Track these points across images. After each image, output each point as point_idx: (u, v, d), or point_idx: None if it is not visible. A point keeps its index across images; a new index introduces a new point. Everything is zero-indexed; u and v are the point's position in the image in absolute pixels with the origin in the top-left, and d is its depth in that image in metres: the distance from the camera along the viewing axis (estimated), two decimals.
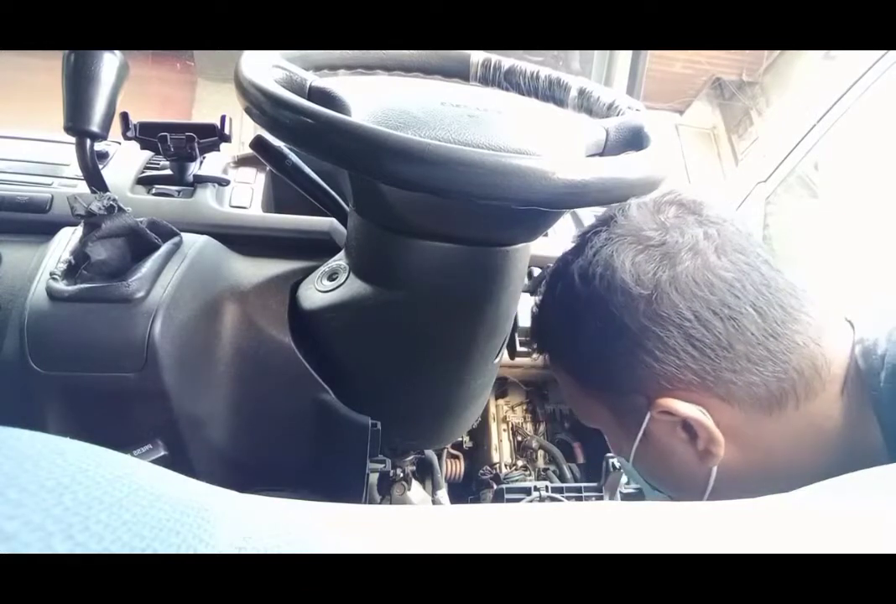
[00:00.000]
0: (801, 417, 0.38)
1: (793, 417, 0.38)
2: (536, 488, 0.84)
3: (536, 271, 0.66)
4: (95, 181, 0.56)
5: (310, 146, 0.38)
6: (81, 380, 0.50)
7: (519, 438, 0.96)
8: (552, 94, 0.57)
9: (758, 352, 0.37)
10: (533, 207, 0.38)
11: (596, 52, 1.23)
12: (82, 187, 0.62)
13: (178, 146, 0.65)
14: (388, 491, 0.79)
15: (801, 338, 0.38)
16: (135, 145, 0.66)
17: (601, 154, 0.51)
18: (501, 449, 0.94)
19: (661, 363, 0.38)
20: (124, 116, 0.63)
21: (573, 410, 0.50)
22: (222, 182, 0.73)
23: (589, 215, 0.88)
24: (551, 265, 0.62)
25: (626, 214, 0.42)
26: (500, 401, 0.99)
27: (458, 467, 0.94)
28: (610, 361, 0.41)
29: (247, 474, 0.62)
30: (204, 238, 0.61)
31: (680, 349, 0.38)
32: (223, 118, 0.66)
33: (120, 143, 0.76)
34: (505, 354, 0.67)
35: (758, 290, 0.38)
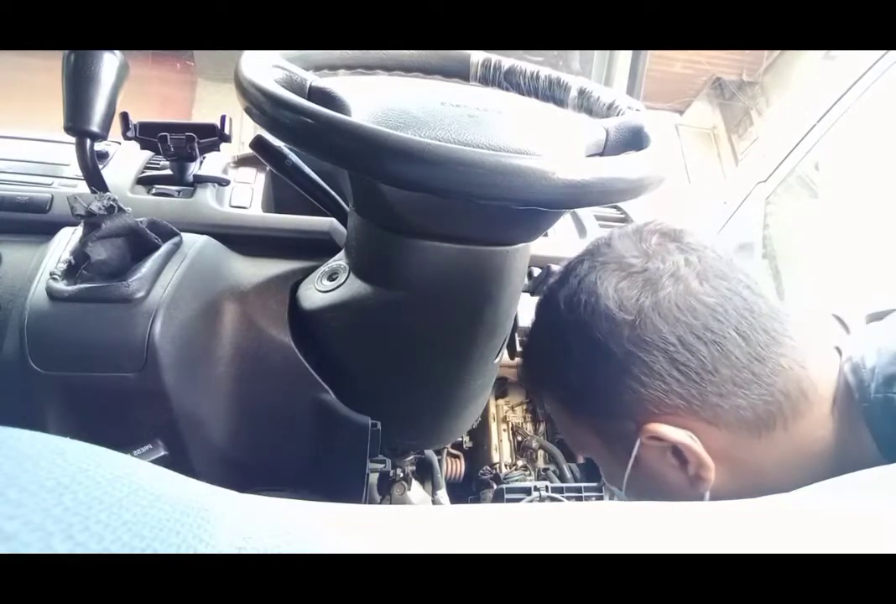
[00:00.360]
0: (789, 439, 0.39)
1: (781, 438, 0.39)
2: (536, 488, 0.84)
3: (536, 271, 0.66)
4: (95, 181, 0.56)
5: (310, 146, 0.38)
6: (81, 380, 0.50)
7: (519, 438, 0.96)
8: (552, 94, 0.57)
9: (743, 375, 0.38)
10: (533, 207, 0.38)
11: (596, 52, 1.23)
12: (82, 187, 0.62)
13: (178, 146, 0.65)
14: (388, 491, 0.79)
15: (785, 361, 0.38)
16: (135, 145, 0.66)
17: (601, 154, 0.51)
18: (501, 449, 0.94)
19: (647, 388, 0.39)
20: (124, 116, 0.63)
21: (564, 438, 0.51)
22: (222, 182, 0.73)
23: (589, 215, 0.88)
24: (552, 265, 0.62)
25: (608, 243, 0.43)
26: (500, 401, 0.99)
27: (458, 467, 0.94)
28: (597, 388, 0.42)
29: (247, 474, 0.62)
30: (204, 238, 0.61)
31: (665, 374, 0.38)
32: (223, 118, 0.66)
33: (120, 143, 0.76)
34: (505, 354, 0.67)
35: (740, 314, 0.38)
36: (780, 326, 0.39)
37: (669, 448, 0.40)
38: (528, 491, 0.84)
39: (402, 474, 0.79)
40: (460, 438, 0.97)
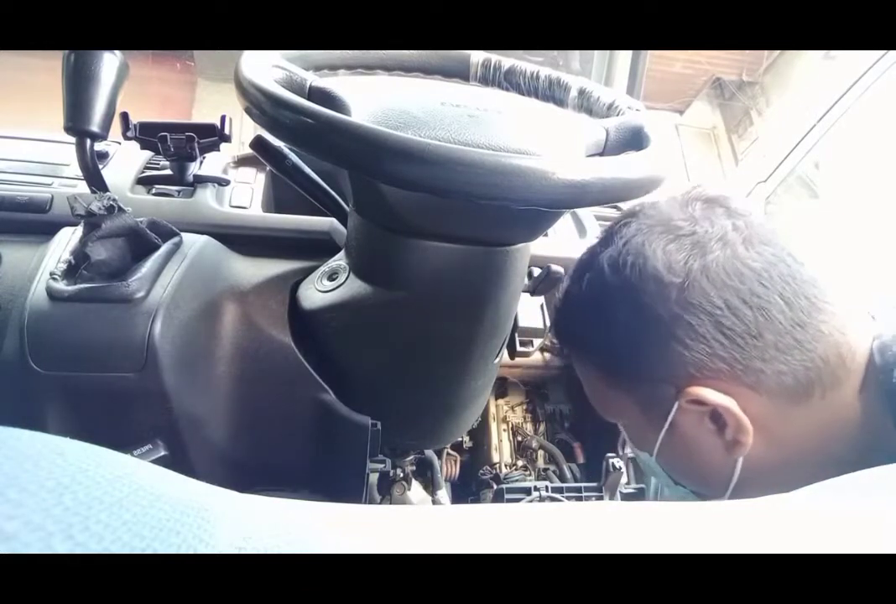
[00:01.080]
0: (825, 407, 0.39)
1: (818, 406, 0.39)
2: (536, 488, 0.84)
3: (536, 271, 0.66)
4: (95, 181, 0.56)
5: (310, 146, 0.38)
6: (81, 380, 0.50)
7: (519, 439, 0.96)
8: (552, 94, 0.57)
9: (786, 341, 0.38)
10: (533, 207, 0.38)
11: (596, 52, 1.23)
12: (82, 187, 0.62)
13: (178, 146, 0.65)
14: (388, 491, 0.79)
15: (826, 327, 0.38)
16: (135, 145, 0.66)
17: (601, 154, 0.51)
18: (501, 449, 0.94)
19: (691, 351, 0.39)
20: (124, 116, 0.63)
21: (594, 404, 0.50)
22: (222, 182, 0.73)
23: (589, 215, 0.88)
24: (552, 265, 0.62)
25: (654, 206, 0.43)
26: (500, 401, 0.99)
27: (458, 467, 0.94)
28: (640, 350, 0.41)
29: (247, 474, 0.62)
30: (204, 238, 0.61)
31: (710, 337, 0.38)
32: (223, 118, 0.66)
33: (120, 143, 0.76)
34: (505, 354, 0.67)
35: (784, 280, 0.38)
36: (821, 292, 0.39)
37: (708, 413, 0.40)
38: (528, 491, 0.84)
39: (402, 474, 0.79)
40: (460, 438, 0.97)
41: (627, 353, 0.42)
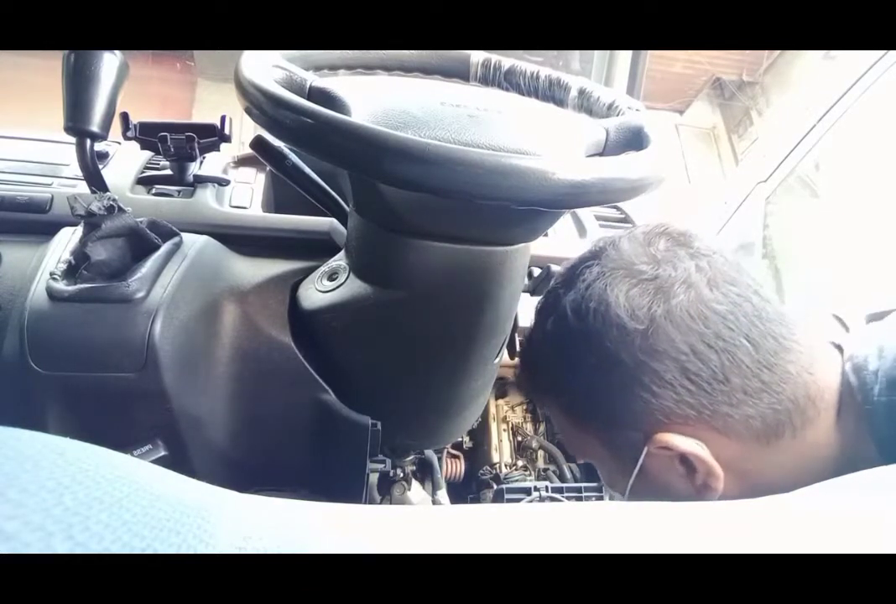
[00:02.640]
0: (798, 446, 0.38)
1: (790, 446, 0.38)
2: (536, 488, 0.84)
3: (536, 271, 0.66)
4: (95, 181, 0.56)
5: (310, 146, 0.38)
6: (81, 380, 0.50)
7: (519, 439, 0.96)
8: (552, 94, 0.57)
9: (753, 384, 0.37)
10: (533, 207, 0.38)
11: (596, 52, 1.23)
12: (82, 187, 0.62)
13: (178, 146, 0.65)
14: (388, 491, 0.79)
15: (793, 367, 0.38)
16: (135, 145, 0.66)
17: (601, 154, 0.51)
18: (501, 449, 0.94)
19: (657, 398, 0.38)
20: (124, 116, 0.63)
21: (566, 445, 0.50)
22: (222, 182, 0.73)
23: (589, 215, 0.88)
24: (552, 265, 0.62)
25: (616, 247, 0.42)
26: (500, 401, 0.99)
27: (458, 467, 0.94)
28: (605, 397, 0.41)
29: (247, 474, 0.62)
30: (204, 238, 0.61)
31: (676, 383, 0.38)
32: (223, 118, 0.66)
33: (120, 143, 0.76)
34: (505, 354, 0.67)
35: (750, 321, 0.38)
36: (787, 330, 0.39)
37: (677, 457, 0.39)
38: (528, 491, 0.84)
39: (402, 474, 0.79)
40: (460, 438, 0.97)
41: (593, 398, 0.42)
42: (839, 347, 0.42)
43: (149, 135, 0.64)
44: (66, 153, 0.69)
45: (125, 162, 0.72)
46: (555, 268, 0.62)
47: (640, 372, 0.38)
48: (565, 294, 0.42)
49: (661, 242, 0.41)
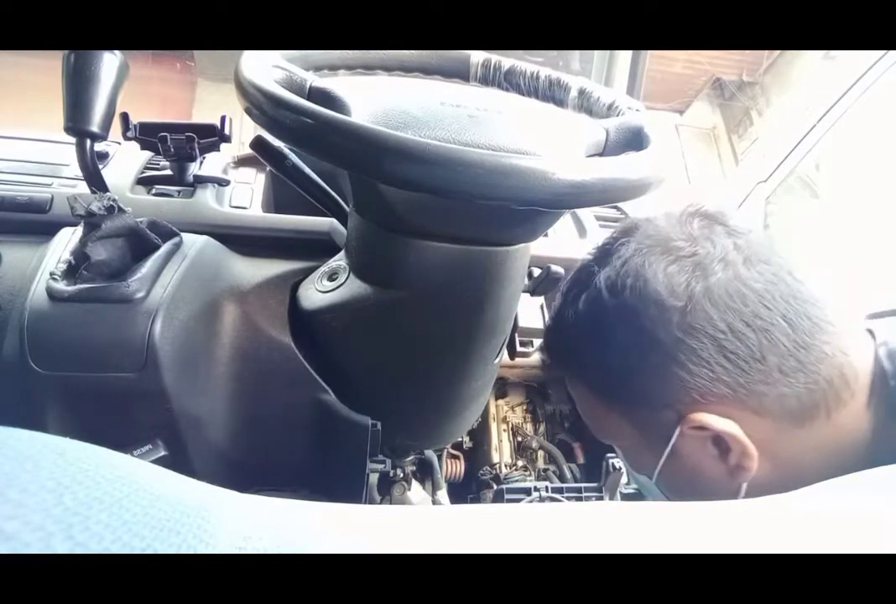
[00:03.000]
0: (830, 429, 0.38)
1: (823, 427, 0.38)
2: (536, 489, 0.84)
3: (536, 271, 0.66)
4: (95, 181, 0.56)
5: (310, 146, 0.38)
6: (81, 380, 0.50)
7: (519, 439, 0.96)
8: (552, 94, 0.57)
9: (789, 363, 0.37)
10: (533, 207, 0.38)
11: (596, 52, 1.23)
12: (82, 187, 0.62)
13: (178, 146, 0.65)
14: (388, 491, 0.79)
15: (829, 348, 0.38)
16: (135, 145, 0.66)
17: (601, 154, 0.51)
18: (501, 449, 0.94)
19: (693, 376, 0.38)
20: (124, 116, 0.63)
21: (590, 427, 0.49)
22: (222, 182, 0.73)
23: (589, 215, 0.88)
24: (552, 265, 0.61)
25: (653, 224, 0.42)
26: (500, 401, 0.99)
27: (458, 467, 0.94)
28: (640, 375, 0.40)
29: (247, 473, 0.62)
30: (204, 238, 0.61)
31: (713, 362, 0.37)
32: (223, 118, 0.66)
33: (120, 144, 0.76)
34: (505, 354, 0.67)
35: (786, 301, 0.38)
36: (822, 311, 0.38)
37: (710, 438, 0.39)
38: (528, 491, 0.84)
39: (402, 474, 0.79)
40: (460, 438, 0.97)
41: (626, 377, 0.41)
42: (870, 332, 0.41)
43: (149, 135, 0.64)
44: (66, 153, 0.69)
45: (125, 162, 0.72)
46: (555, 268, 0.62)
47: (676, 350, 0.38)
48: (599, 270, 0.42)
49: (697, 220, 0.41)
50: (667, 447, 0.41)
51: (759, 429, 0.38)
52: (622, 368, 0.41)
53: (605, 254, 0.43)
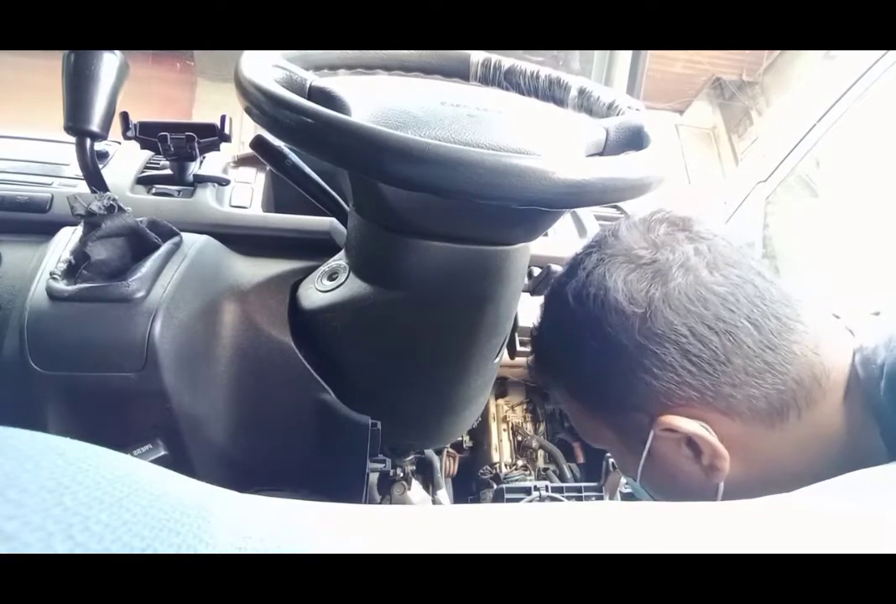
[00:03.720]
0: (803, 427, 0.38)
1: (795, 427, 0.38)
2: (536, 488, 0.84)
3: (536, 271, 0.66)
4: (95, 181, 0.56)
5: (310, 146, 0.38)
6: (81, 380, 0.50)
7: (519, 438, 0.96)
8: (552, 94, 0.57)
9: (756, 364, 0.37)
10: (533, 206, 0.38)
11: (596, 52, 1.23)
12: (82, 187, 0.62)
13: (178, 146, 0.65)
14: (388, 491, 0.79)
15: (798, 348, 0.38)
16: (135, 145, 0.66)
17: (601, 154, 0.51)
18: (501, 449, 0.94)
19: (659, 380, 0.39)
20: (124, 116, 0.63)
21: (577, 430, 0.50)
22: (222, 182, 0.73)
23: (589, 215, 0.88)
24: (552, 265, 0.62)
25: (616, 234, 0.43)
26: (500, 401, 0.99)
27: (455, 465, 0.94)
28: (609, 381, 0.41)
29: (247, 474, 0.61)
30: (204, 238, 0.61)
31: (678, 365, 0.38)
32: (223, 118, 0.66)
33: (120, 143, 0.76)
34: (505, 354, 0.67)
35: (752, 302, 0.38)
36: (792, 311, 0.39)
37: (684, 439, 0.40)
38: (528, 491, 0.84)
39: (402, 474, 0.79)
40: (460, 438, 0.97)
41: (598, 383, 0.42)
42: (850, 332, 0.41)
43: (149, 135, 0.64)
44: (66, 153, 0.69)
45: (125, 162, 0.72)
46: (555, 268, 0.62)
47: (640, 355, 0.39)
48: (567, 282, 0.43)
49: (661, 228, 0.42)
50: (644, 449, 0.42)
51: (729, 429, 0.38)
52: (593, 375, 0.42)
53: (573, 265, 0.44)
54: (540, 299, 0.49)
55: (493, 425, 0.96)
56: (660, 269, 0.39)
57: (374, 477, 0.79)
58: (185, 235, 0.59)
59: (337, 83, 0.45)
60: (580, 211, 0.88)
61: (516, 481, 0.88)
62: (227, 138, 0.66)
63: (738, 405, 0.38)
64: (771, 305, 0.38)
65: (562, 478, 0.90)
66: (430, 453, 0.86)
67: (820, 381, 0.38)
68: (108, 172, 0.60)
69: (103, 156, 0.72)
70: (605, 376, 0.41)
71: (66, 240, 0.57)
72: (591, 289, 0.41)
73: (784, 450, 0.39)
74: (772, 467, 0.40)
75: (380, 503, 0.79)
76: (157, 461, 0.53)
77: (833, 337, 0.40)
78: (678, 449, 0.40)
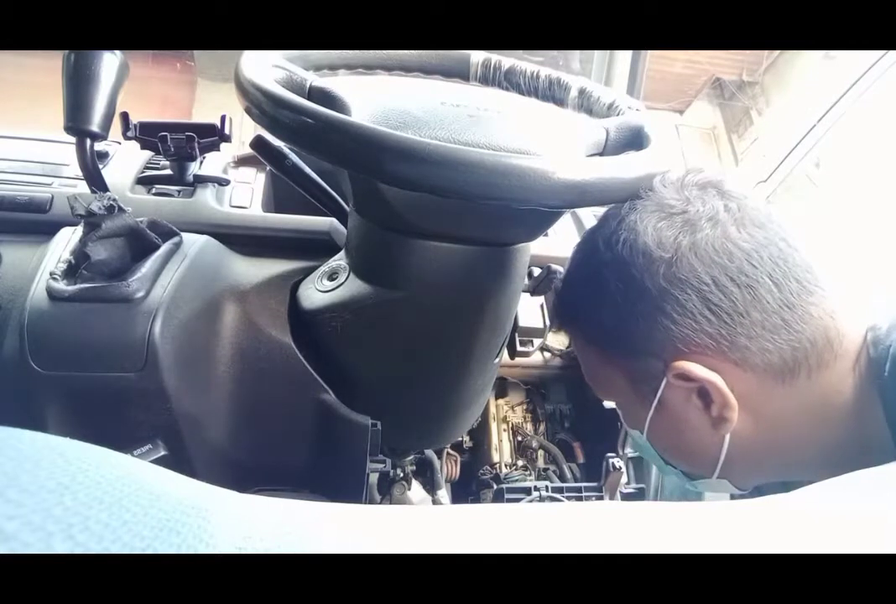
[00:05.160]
0: (812, 388, 0.39)
1: (804, 386, 0.39)
2: (536, 488, 0.84)
3: (536, 271, 0.66)
4: (95, 181, 0.56)
5: (310, 146, 0.38)
6: (81, 380, 0.50)
7: (519, 438, 0.96)
8: (552, 94, 0.57)
9: (773, 320, 0.38)
10: (533, 207, 0.38)
11: (596, 52, 1.23)
12: (82, 187, 0.62)
13: (178, 146, 0.65)
14: (388, 491, 0.79)
15: (815, 310, 0.39)
16: (135, 145, 0.66)
17: (601, 154, 0.51)
18: (501, 449, 0.94)
19: (678, 326, 0.40)
20: (124, 116, 0.63)
21: (590, 384, 0.51)
22: (222, 182, 0.73)
23: (589, 215, 0.88)
24: (552, 265, 0.62)
25: (650, 188, 0.44)
26: (500, 401, 0.99)
27: (457, 468, 0.94)
28: (629, 324, 0.42)
29: (247, 473, 0.61)
30: (204, 238, 0.61)
31: (697, 313, 0.39)
32: (223, 118, 0.66)
33: (120, 143, 0.76)
34: (505, 354, 0.67)
35: (774, 262, 0.39)
36: (813, 277, 0.40)
37: (695, 390, 0.41)
38: (528, 491, 0.84)
39: (402, 474, 0.79)
40: (460, 438, 0.97)
41: (617, 326, 0.43)
42: (869, 307, 0.43)
43: (149, 135, 0.64)
44: (66, 153, 0.69)
45: (125, 162, 0.72)
46: (555, 268, 0.62)
47: (662, 300, 0.40)
48: (598, 230, 0.45)
49: (694, 185, 0.43)
50: (655, 398, 0.43)
51: (741, 381, 0.40)
52: (614, 318, 0.43)
53: (605, 217, 0.45)
54: (540, 299, 0.50)
55: (493, 425, 0.96)
56: (689, 219, 0.40)
57: (374, 477, 0.79)
58: (185, 235, 0.59)
59: (337, 83, 0.45)
60: (580, 211, 0.88)
61: (516, 481, 0.88)
62: (227, 138, 0.66)
63: (752, 358, 0.39)
64: (793, 267, 0.39)
65: (562, 478, 0.90)
66: (430, 453, 0.86)
67: (833, 344, 0.39)
68: (108, 172, 0.60)
69: (103, 156, 0.72)
70: (626, 319, 0.42)
71: (66, 240, 0.57)
72: (621, 233, 0.42)
73: (791, 408, 0.40)
74: (778, 425, 0.41)
75: (380, 503, 0.79)
76: (157, 461, 0.53)
77: (850, 307, 0.41)
78: (688, 399, 0.41)
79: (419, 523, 0.23)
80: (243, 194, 0.72)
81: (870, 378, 0.38)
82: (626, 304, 0.42)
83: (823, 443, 0.40)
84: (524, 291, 0.62)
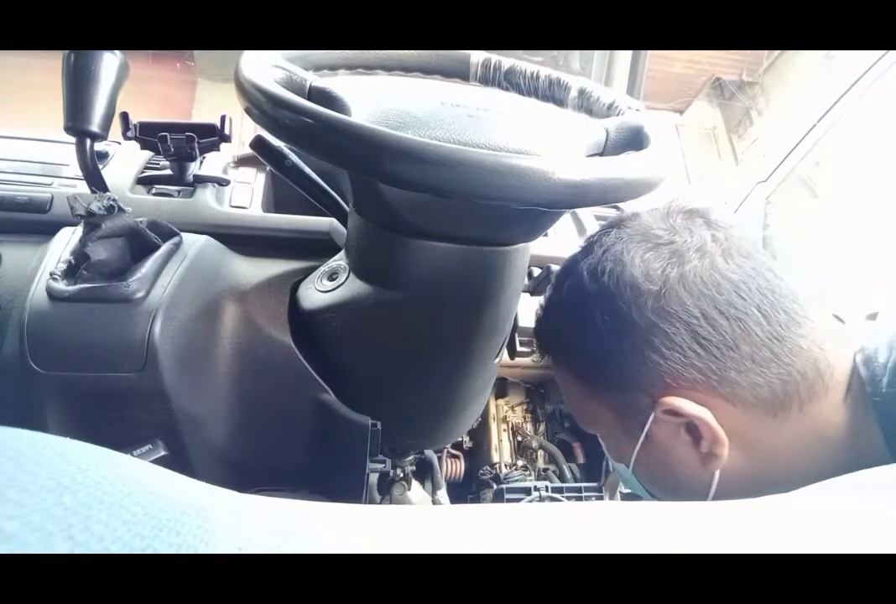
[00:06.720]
0: (803, 421, 0.38)
1: (796, 420, 0.38)
2: (536, 488, 0.84)
3: (536, 271, 0.66)
4: (95, 181, 0.56)
5: (310, 146, 0.38)
6: (81, 380, 0.50)
7: (519, 438, 0.96)
8: (552, 94, 0.57)
9: (762, 353, 0.38)
10: (533, 207, 0.38)
11: (596, 52, 1.23)
12: (82, 187, 0.62)
13: (178, 146, 0.65)
14: (388, 491, 0.79)
15: (804, 342, 0.38)
16: (135, 145, 0.66)
17: (601, 154, 0.51)
18: (501, 449, 0.94)
19: (666, 360, 0.39)
20: (124, 116, 0.63)
21: (574, 414, 0.50)
22: (222, 182, 0.73)
23: (589, 215, 0.88)
24: (552, 265, 0.62)
25: (635, 216, 0.43)
26: (500, 401, 0.99)
27: (458, 467, 0.94)
28: (616, 358, 0.41)
29: (247, 474, 0.62)
30: (204, 238, 0.61)
31: (686, 347, 0.38)
32: (223, 118, 0.66)
33: (120, 143, 0.76)
34: (505, 354, 0.67)
35: (762, 293, 0.38)
36: (800, 308, 0.39)
37: (683, 425, 0.40)
38: (528, 491, 0.84)
39: (402, 474, 0.79)
40: (460, 438, 0.97)
41: (604, 360, 0.42)
42: (852, 334, 0.42)
43: (149, 135, 0.64)
44: (66, 153, 0.69)
45: (125, 162, 0.72)
46: (555, 268, 0.62)
47: (650, 333, 0.39)
48: (582, 258, 0.44)
49: (680, 214, 0.43)
50: (642, 433, 0.42)
51: (731, 417, 0.39)
52: (600, 352, 0.42)
53: (589, 244, 0.44)
54: (540, 299, 0.49)
55: (493, 426, 0.96)
56: (677, 250, 0.40)
57: (374, 477, 0.79)
58: (185, 236, 0.59)
59: (337, 83, 0.45)
60: (580, 211, 0.88)
61: (516, 481, 0.88)
62: (227, 138, 0.66)
63: (742, 392, 0.38)
64: (781, 299, 0.39)
65: (562, 478, 0.90)
66: (430, 453, 0.86)
67: (823, 377, 0.38)
68: (108, 173, 0.60)
69: (103, 156, 0.72)
70: (613, 354, 0.41)
71: (66, 240, 0.57)
72: (607, 264, 0.41)
73: (783, 442, 0.39)
74: (769, 460, 0.40)
75: (380, 503, 0.79)
76: (157, 461, 0.53)
77: (837, 337, 0.41)
78: (677, 434, 0.41)
79: (419, 524, 0.23)
80: (243, 194, 0.72)
81: (863, 399, 0.37)
82: (613, 337, 0.41)
83: (817, 471, 0.38)
84: (524, 291, 0.62)
